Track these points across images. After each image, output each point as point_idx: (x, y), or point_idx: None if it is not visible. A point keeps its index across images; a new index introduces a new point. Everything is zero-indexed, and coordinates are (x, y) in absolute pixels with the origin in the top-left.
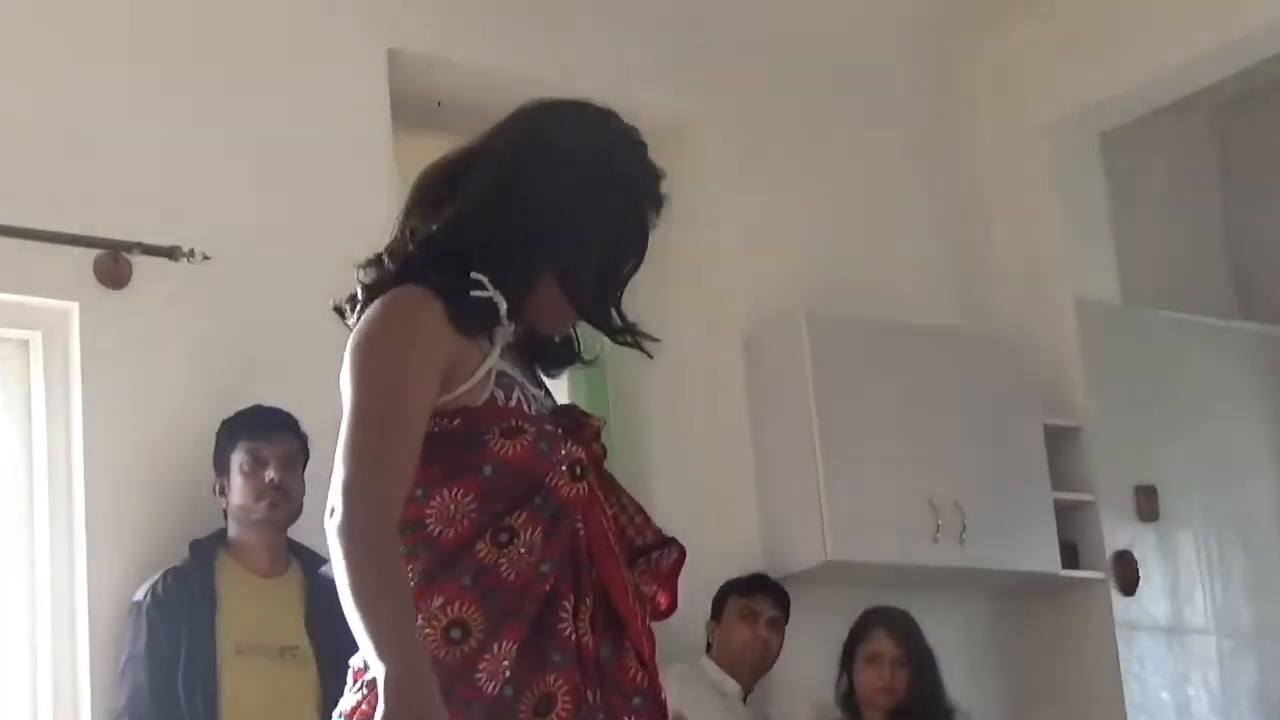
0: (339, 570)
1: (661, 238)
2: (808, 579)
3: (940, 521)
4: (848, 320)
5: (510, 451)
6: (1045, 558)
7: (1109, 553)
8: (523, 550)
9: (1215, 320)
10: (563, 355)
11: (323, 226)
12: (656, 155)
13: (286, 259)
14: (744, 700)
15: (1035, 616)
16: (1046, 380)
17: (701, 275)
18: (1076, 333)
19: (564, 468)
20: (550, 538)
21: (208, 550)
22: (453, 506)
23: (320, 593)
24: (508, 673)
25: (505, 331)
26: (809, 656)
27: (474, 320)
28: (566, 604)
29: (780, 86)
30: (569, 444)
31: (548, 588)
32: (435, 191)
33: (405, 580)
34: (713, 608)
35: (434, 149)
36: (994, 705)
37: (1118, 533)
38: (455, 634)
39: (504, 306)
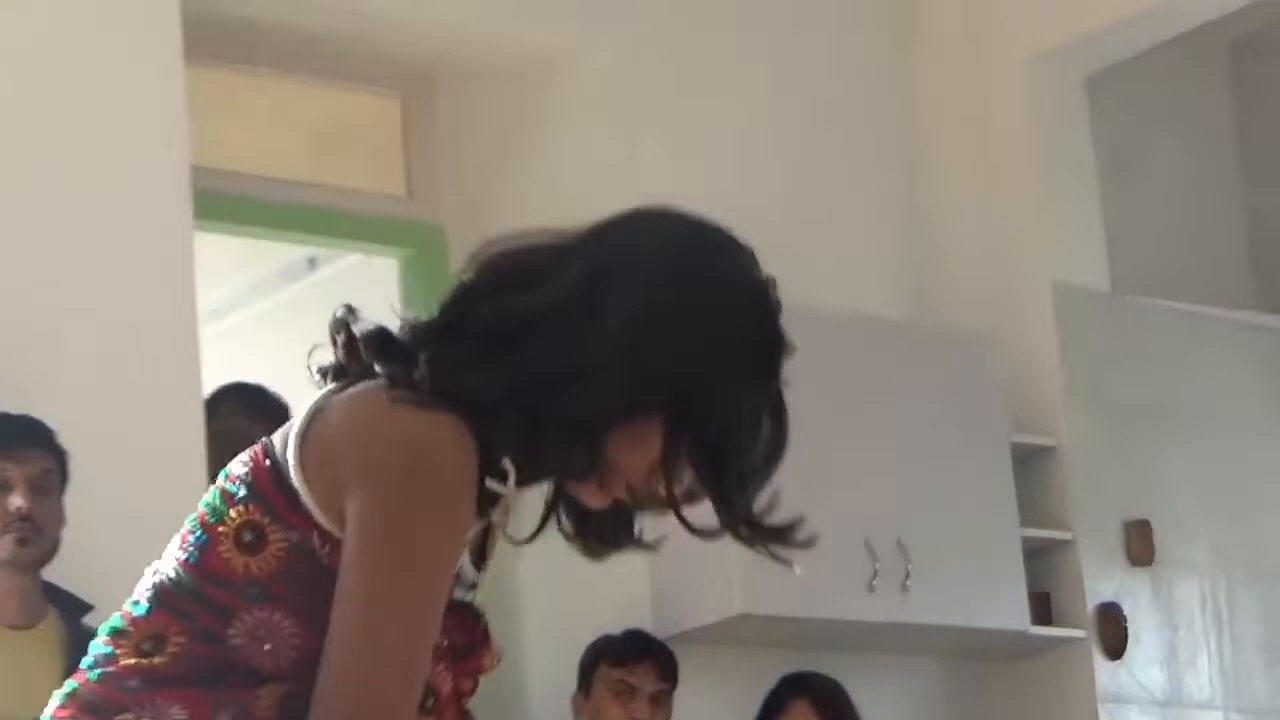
0: None
1: (521, 199)
2: (710, 637)
3: (878, 565)
4: None
5: None
6: (1011, 612)
7: (1091, 606)
8: None
9: (1226, 312)
10: (618, 532)
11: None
12: (519, 97)
13: (44, 233)
14: None
15: (999, 686)
16: (1016, 387)
17: None
18: (1054, 327)
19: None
20: None
21: None
22: (263, 632)
23: (82, 649)
24: None
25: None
26: None
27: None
28: None
29: (679, 11)
30: (439, 666)
31: None
32: (514, 277)
33: None
34: (579, 677)
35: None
36: None
37: (1102, 580)
38: None
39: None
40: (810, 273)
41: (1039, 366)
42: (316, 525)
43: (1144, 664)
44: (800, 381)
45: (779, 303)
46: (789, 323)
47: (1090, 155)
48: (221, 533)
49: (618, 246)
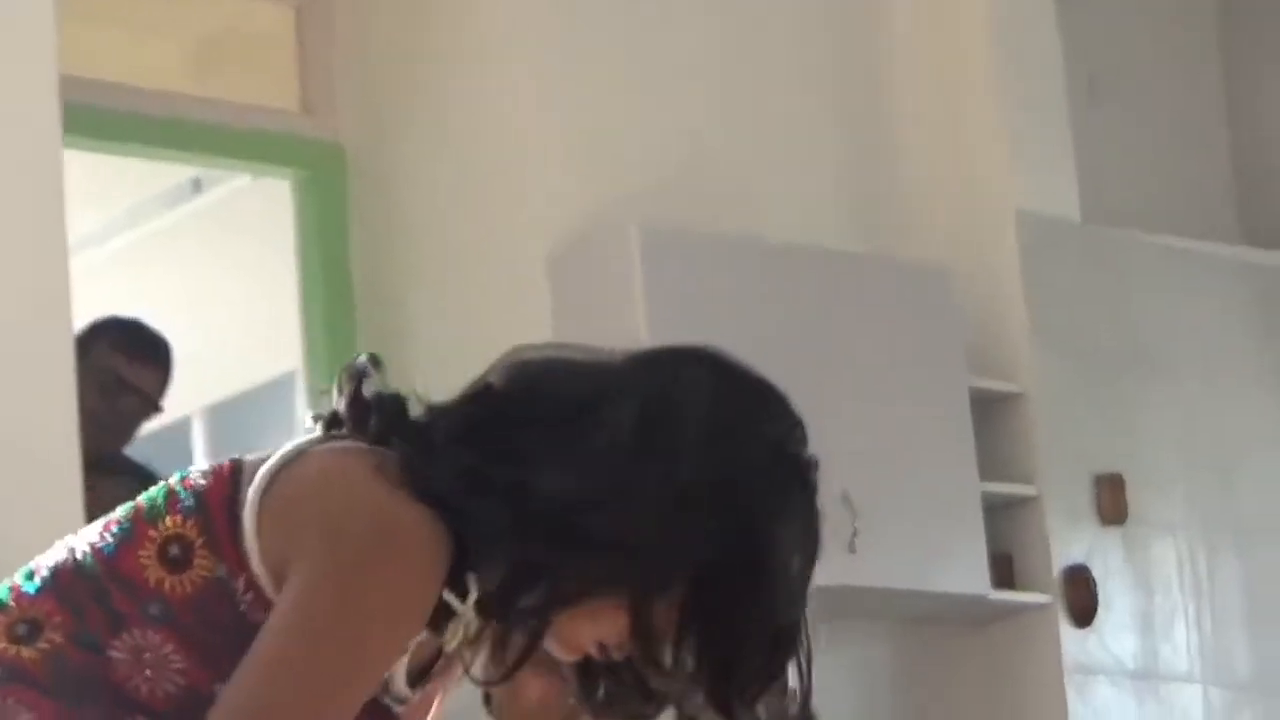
0: None
1: (430, 116)
2: None
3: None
4: (695, 236)
5: None
6: (970, 574)
7: (1058, 568)
8: None
9: (1209, 245)
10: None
11: None
12: (427, 4)
13: None
14: None
15: (956, 655)
16: (976, 326)
17: (500, 173)
18: (1018, 260)
19: None
20: None
21: None
22: (149, 656)
23: None
24: None
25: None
26: None
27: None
28: None
29: None
30: None
31: None
32: (550, 404)
33: None
34: None
35: None
36: None
37: (1070, 540)
38: None
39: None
40: (759, 203)
41: (1002, 304)
42: (248, 570)
43: (1115, 632)
44: (741, 315)
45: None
46: (731, 253)
47: (1060, 77)
48: (149, 535)
49: (662, 403)
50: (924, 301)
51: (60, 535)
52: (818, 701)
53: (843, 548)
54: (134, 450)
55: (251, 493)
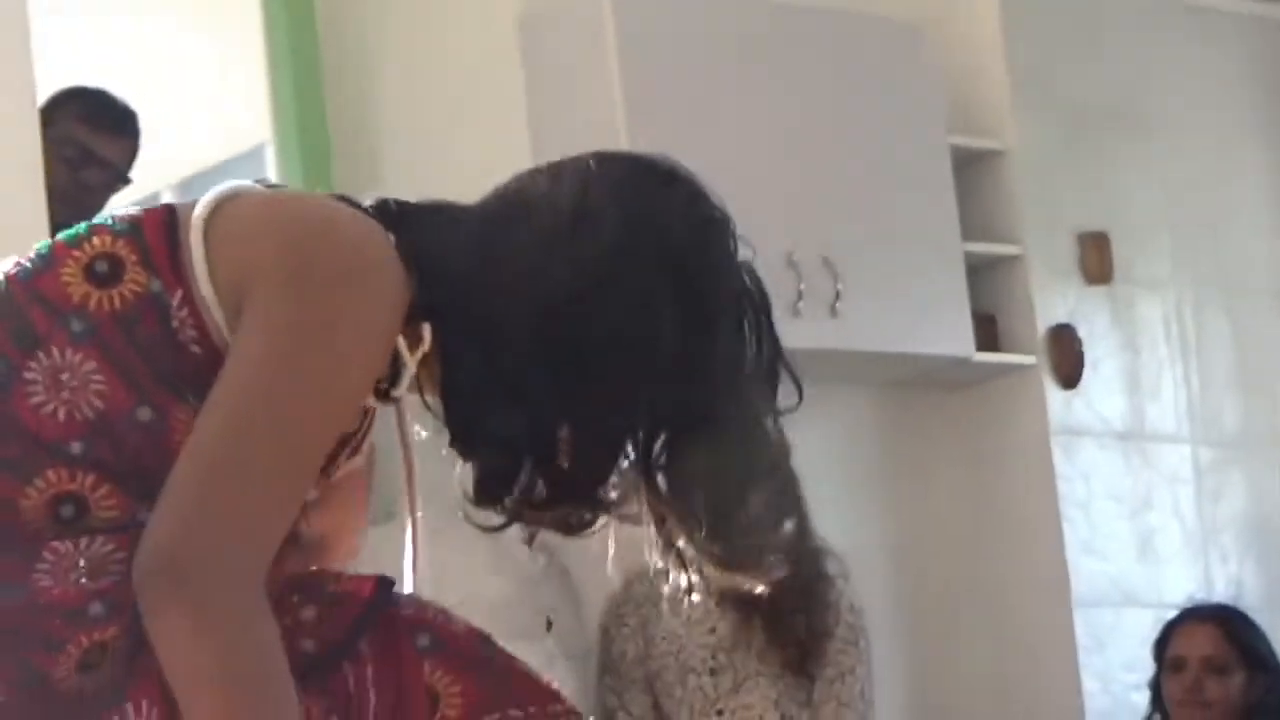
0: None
1: None
2: None
3: (803, 285)
4: None
5: None
6: (953, 336)
7: (1042, 328)
8: None
9: None
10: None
11: None
12: None
13: None
14: (529, 543)
15: (940, 418)
16: (956, 83)
17: None
18: (998, 15)
19: None
20: None
21: None
22: (67, 376)
23: None
24: None
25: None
26: None
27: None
28: None
29: None
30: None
31: None
32: (503, 207)
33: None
34: None
35: None
36: (881, 541)
37: (1055, 300)
38: None
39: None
40: None
41: (982, 59)
42: (187, 288)
43: (1102, 393)
44: (714, 73)
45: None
46: (706, 7)
47: None
48: (73, 255)
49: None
50: (902, 57)
51: None
52: (803, 468)
53: (825, 311)
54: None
55: (196, 218)
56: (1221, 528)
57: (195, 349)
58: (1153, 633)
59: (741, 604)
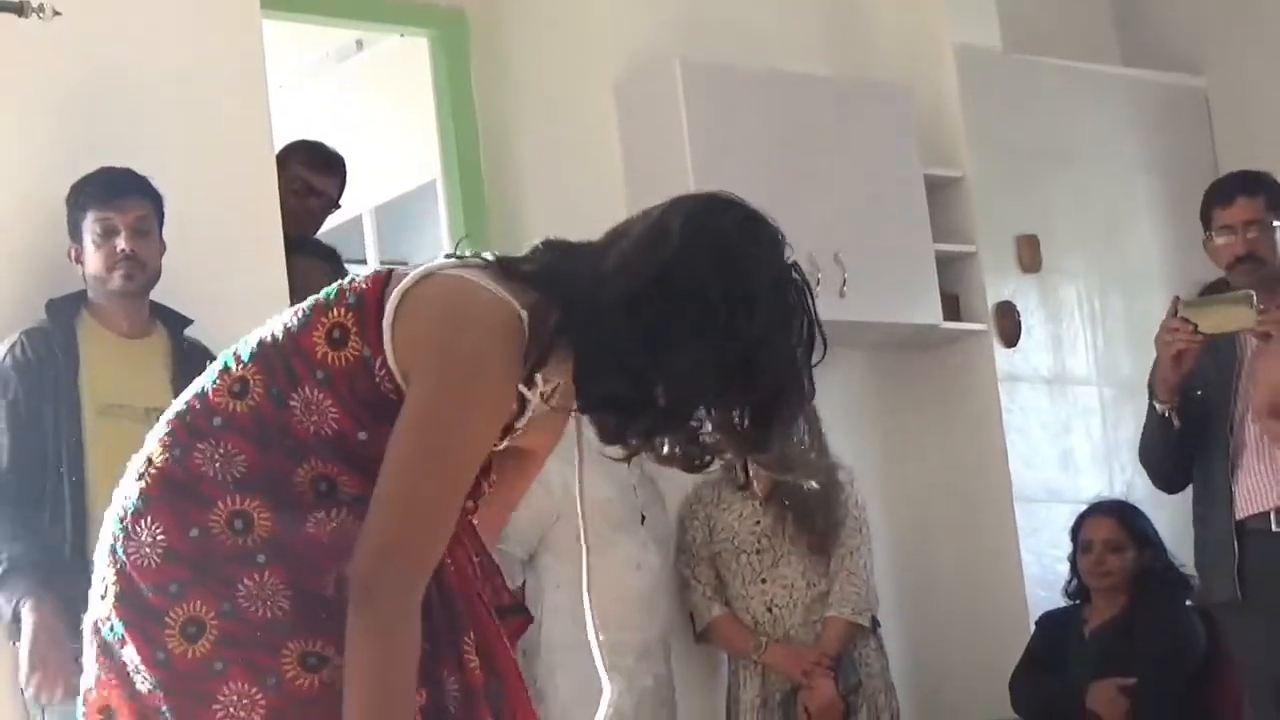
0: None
1: None
2: None
3: (820, 275)
4: (724, 68)
5: None
6: (927, 310)
7: (991, 304)
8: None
9: (1098, 66)
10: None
11: None
12: None
13: (136, 13)
14: (627, 461)
15: (917, 370)
16: (927, 130)
17: (571, 17)
18: (957, 81)
19: None
20: None
21: (67, 310)
22: (314, 407)
23: (186, 355)
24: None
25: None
26: None
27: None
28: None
29: None
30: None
31: None
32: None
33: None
34: None
35: None
36: (876, 460)
37: (1000, 284)
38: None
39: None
40: (759, 41)
41: (945, 112)
42: (384, 355)
43: (1034, 350)
44: (750, 133)
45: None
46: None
47: None
48: (321, 321)
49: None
50: (889, 112)
51: (270, 298)
52: (821, 409)
53: (835, 294)
54: (322, 237)
55: (394, 293)
56: (1120, 446)
57: (392, 396)
58: (1070, 522)
59: (778, 503)
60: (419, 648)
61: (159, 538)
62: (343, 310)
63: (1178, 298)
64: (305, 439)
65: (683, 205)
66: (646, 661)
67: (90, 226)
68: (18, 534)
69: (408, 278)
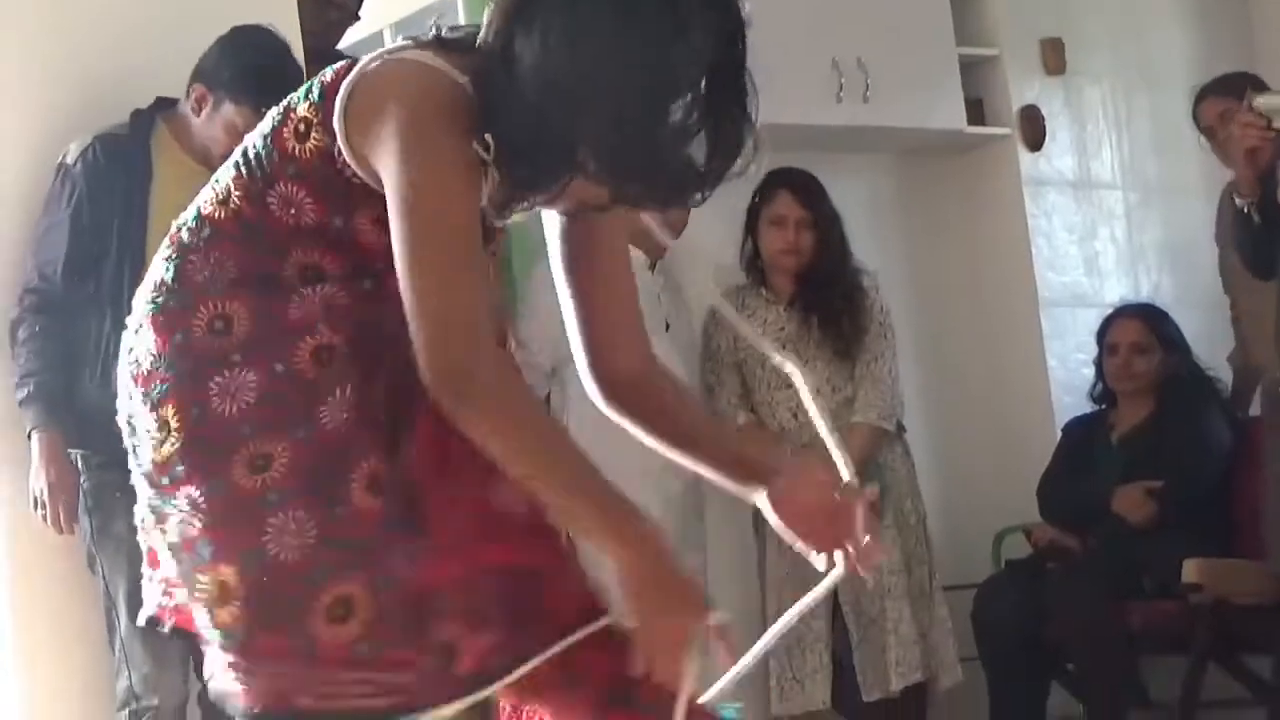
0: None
1: None
2: None
3: (843, 80)
4: None
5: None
6: (951, 114)
7: (1015, 108)
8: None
9: None
10: None
11: None
12: None
13: None
14: (651, 269)
15: (942, 175)
16: None
17: None
18: None
19: None
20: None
21: (146, 122)
22: (291, 201)
23: None
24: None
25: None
26: (714, 222)
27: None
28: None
29: None
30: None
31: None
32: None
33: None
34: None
35: None
36: (901, 265)
37: (1024, 87)
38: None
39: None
40: None
41: None
42: (338, 143)
43: (1059, 154)
44: None
45: None
46: None
47: None
48: (290, 117)
49: None
50: None
51: None
52: (846, 213)
53: (859, 100)
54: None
55: (343, 88)
56: (1145, 250)
57: (355, 181)
58: (1095, 326)
59: (802, 309)
60: (530, 390)
61: (150, 347)
62: (309, 105)
63: (1250, 91)
64: (285, 232)
65: None
66: (674, 467)
67: (227, 114)
68: (51, 363)
69: (357, 66)
